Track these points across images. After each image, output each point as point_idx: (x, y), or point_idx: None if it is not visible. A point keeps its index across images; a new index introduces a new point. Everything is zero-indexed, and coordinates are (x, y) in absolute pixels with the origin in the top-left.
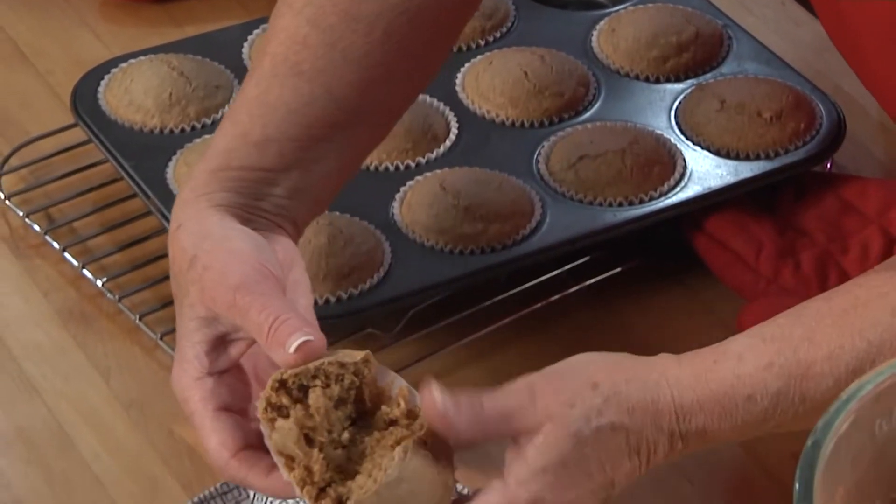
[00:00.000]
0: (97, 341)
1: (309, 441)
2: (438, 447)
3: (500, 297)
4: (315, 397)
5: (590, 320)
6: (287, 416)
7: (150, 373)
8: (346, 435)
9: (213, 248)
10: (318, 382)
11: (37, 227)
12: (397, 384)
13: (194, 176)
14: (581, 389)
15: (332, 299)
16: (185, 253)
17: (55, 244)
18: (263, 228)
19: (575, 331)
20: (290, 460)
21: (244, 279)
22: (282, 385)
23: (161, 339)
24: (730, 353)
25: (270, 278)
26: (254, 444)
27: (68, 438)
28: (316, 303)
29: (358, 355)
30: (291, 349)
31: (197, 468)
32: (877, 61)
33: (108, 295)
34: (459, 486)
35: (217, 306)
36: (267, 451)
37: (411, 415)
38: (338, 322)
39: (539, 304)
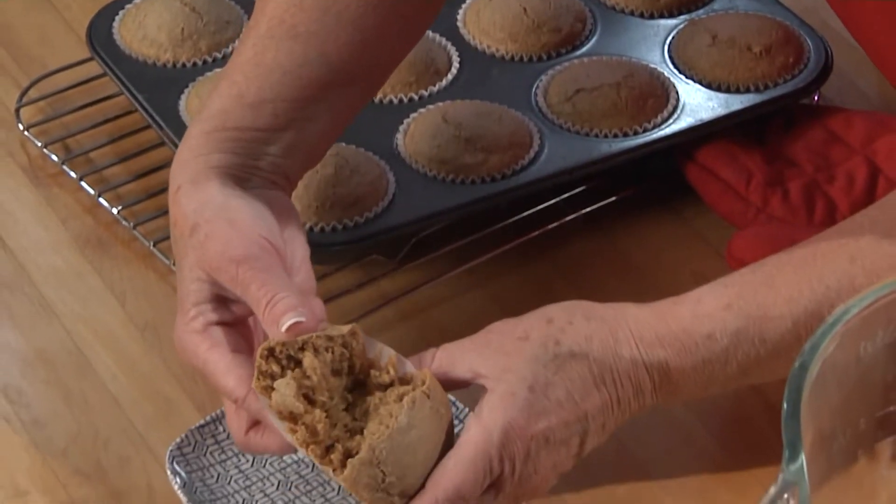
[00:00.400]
0: (113, 267)
1: (310, 401)
2: (438, 400)
3: (499, 224)
4: (309, 360)
5: (586, 247)
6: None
7: (163, 297)
8: (347, 398)
9: (214, 218)
10: (306, 353)
11: (55, 157)
12: (386, 353)
13: (190, 135)
14: (536, 324)
15: (339, 227)
16: (186, 219)
17: (72, 173)
18: (259, 186)
19: (571, 257)
20: (292, 422)
21: (246, 254)
22: (271, 353)
23: (174, 265)
24: (690, 296)
25: (270, 252)
26: None
27: (86, 360)
28: (322, 230)
29: (345, 328)
30: (283, 328)
31: (209, 389)
32: (880, 36)
33: (124, 222)
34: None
35: (219, 276)
36: None
37: (402, 381)
38: (344, 248)
39: (537, 232)
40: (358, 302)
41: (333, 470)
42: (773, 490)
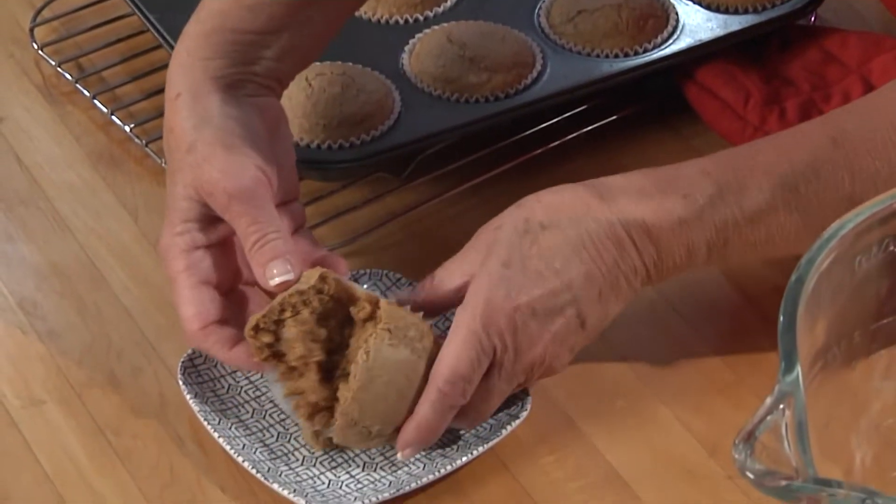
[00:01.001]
0: (126, 183)
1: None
2: (404, 327)
3: (503, 143)
4: (289, 330)
5: (587, 165)
6: (278, 353)
7: None
8: (340, 335)
9: (213, 141)
10: (287, 315)
11: (68, 76)
12: (362, 285)
13: (189, 34)
14: (508, 212)
15: (346, 144)
16: (184, 134)
17: (86, 92)
18: (253, 93)
19: (573, 174)
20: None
21: (239, 186)
22: (256, 329)
23: (164, 164)
24: (666, 166)
25: (264, 185)
26: (226, 320)
27: (99, 273)
28: (329, 147)
29: (313, 277)
30: (273, 283)
31: None
32: None
33: (136, 140)
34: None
35: (211, 202)
36: (234, 325)
37: (374, 314)
38: (350, 166)
39: (540, 150)
40: (364, 219)
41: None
42: (768, 400)
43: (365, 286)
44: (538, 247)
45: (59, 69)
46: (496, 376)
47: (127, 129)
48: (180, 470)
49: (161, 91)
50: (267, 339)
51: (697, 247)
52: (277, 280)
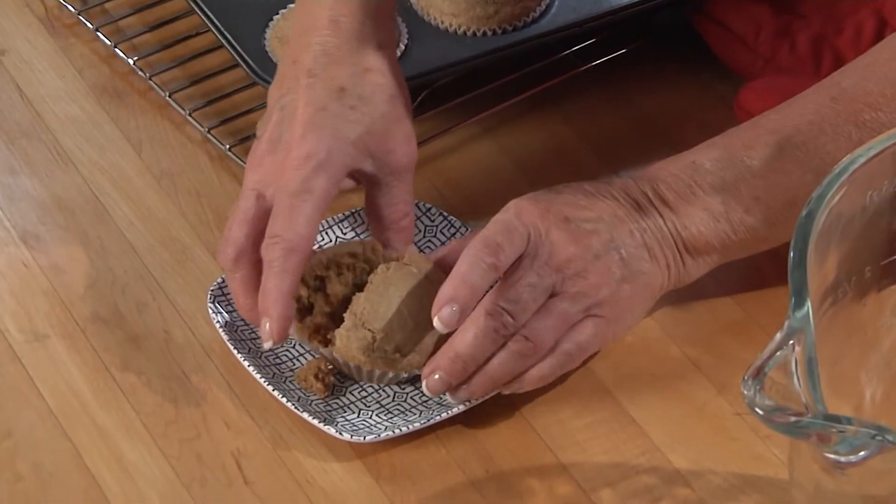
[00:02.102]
0: (130, 116)
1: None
2: (417, 264)
3: (510, 76)
4: (333, 291)
5: (596, 99)
6: (302, 305)
7: (179, 146)
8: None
9: (406, 102)
10: (331, 273)
11: (71, 8)
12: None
13: None
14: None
15: None
16: (338, 77)
17: (89, 24)
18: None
19: (582, 108)
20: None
21: (414, 157)
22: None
23: (190, 115)
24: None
25: (412, 169)
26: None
27: (103, 207)
28: None
29: (368, 245)
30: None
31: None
32: None
33: (140, 72)
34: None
35: (386, 159)
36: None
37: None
38: None
39: (548, 84)
40: None
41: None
42: (778, 336)
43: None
44: (563, 195)
45: (61, 1)
46: (528, 265)
47: (130, 61)
48: (185, 406)
49: (165, 23)
50: (303, 293)
51: (710, 205)
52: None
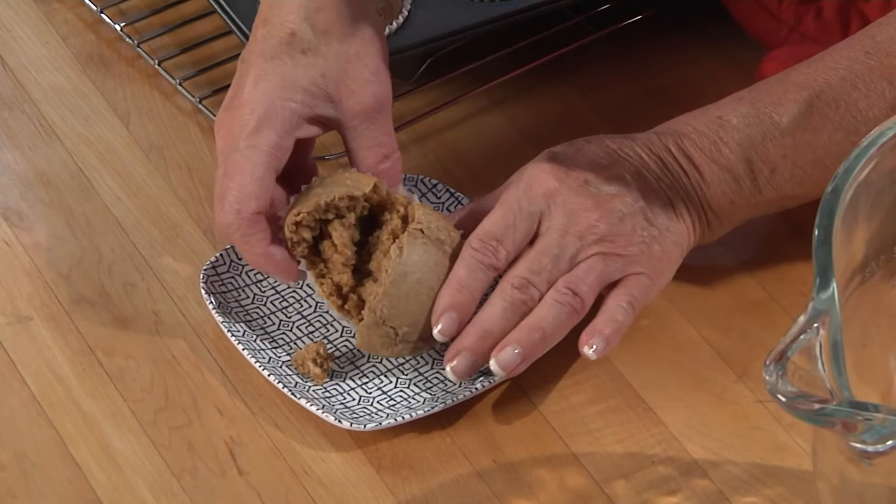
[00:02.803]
0: (117, 85)
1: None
2: (435, 229)
3: (519, 44)
4: (338, 235)
5: (610, 68)
6: (309, 246)
7: (169, 117)
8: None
9: (371, 39)
10: (331, 216)
11: None
12: (401, 192)
13: None
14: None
15: None
16: (341, 18)
17: None
18: None
19: (594, 78)
20: (321, 277)
21: (387, 96)
22: (298, 225)
23: (180, 84)
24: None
25: (389, 108)
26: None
27: (88, 182)
28: None
29: (367, 185)
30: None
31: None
32: None
33: (128, 39)
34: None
35: (348, 101)
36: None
37: (406, 216)
38: None
39: (560, 51)
40: None
41: (352, 319)
42: (802, 319)
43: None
44: (583, 153)
45: None
46: (549, 236)
47: (117, 28)
48: (175, 392)
49: None
50: (307, 235)
51: (735, 164)
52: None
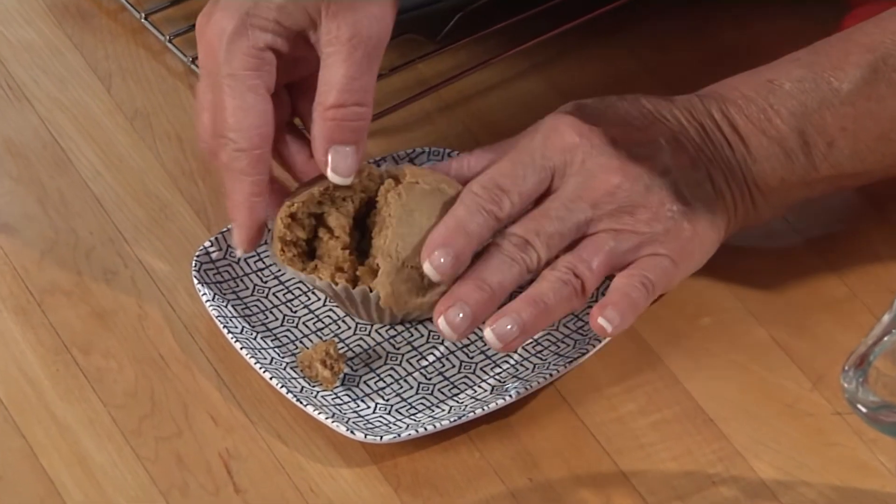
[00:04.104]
0: (97, 42)
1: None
2: (431, 181)
3: None
4: (334, 219)
5: (669, 26)
6: (301, 250)
7: (157, 80)
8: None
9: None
10: (325, 207)
11: None
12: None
13: None
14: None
15: None
16: None
17: None
18: None
19: (649, 37)
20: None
21: (361, 38)
22: (293, 218)
23: (170, 41)
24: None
25: (378, 54)
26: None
27: (64, 153)
28: None
29: (362, 171)
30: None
31: (210, 190)
32: None
33: None
34: None
35: (335, 30)
36: None
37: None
38: None
39: (610, 6)
40: (392, 89)
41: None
42: (886, 318)
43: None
44: (614, 109)
45: None
46: (555, 196)
47: None
48: (162, 397)
49: None
50: (301, 233)
51: (786, 136)
52: (437, 277)
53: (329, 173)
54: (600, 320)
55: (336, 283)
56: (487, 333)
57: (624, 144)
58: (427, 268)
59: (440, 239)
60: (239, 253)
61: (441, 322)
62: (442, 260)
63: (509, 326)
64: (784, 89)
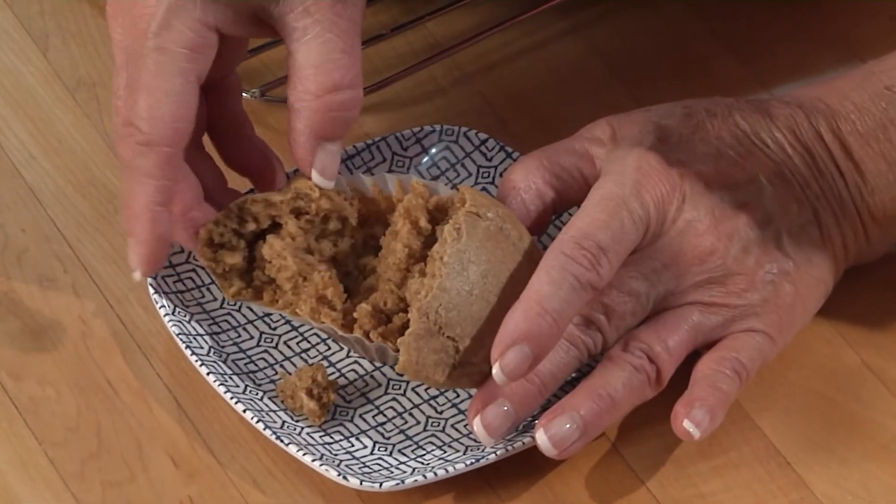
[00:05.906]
0: None
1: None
2: (498, 216)
3: None
4: (291, 226)
5: None
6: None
7: (105, 42)
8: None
9: None
10: (288, 220)
11: None
12: (391, 181)
13: None
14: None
15: None
16: None
17: None
18: None
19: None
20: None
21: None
22: (210, 245)
23: None
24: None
25: (359, 16)
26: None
27: None
28: None
29: (303, 187)
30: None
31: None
32: None
33: None
34: None
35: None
36: None
37: (435, 211)
38: None
39: None
40: (394, 52)
41: (384, 340)
42: None
43: (434, 149)
44: (703, 134)
45: None
46: (637, 261)
47: None
48: (111, 433)
49: None
50: (232, 260)
51: None
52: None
53: (315, 175)
54: (686, 424)
55: (323, 322)
56: (540, 437)
57: (718, 188)
58: (496, 371)
59: (520, 330)
60: (137, 276)
61: (476, 423)
62: (517, 361)
63: (567, 426)
64: None
